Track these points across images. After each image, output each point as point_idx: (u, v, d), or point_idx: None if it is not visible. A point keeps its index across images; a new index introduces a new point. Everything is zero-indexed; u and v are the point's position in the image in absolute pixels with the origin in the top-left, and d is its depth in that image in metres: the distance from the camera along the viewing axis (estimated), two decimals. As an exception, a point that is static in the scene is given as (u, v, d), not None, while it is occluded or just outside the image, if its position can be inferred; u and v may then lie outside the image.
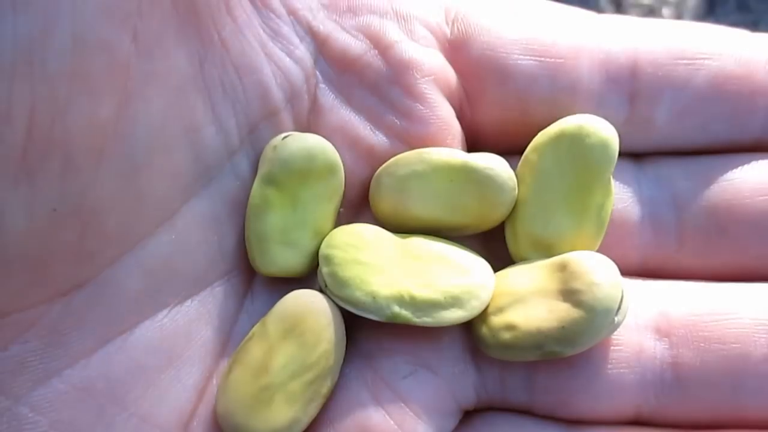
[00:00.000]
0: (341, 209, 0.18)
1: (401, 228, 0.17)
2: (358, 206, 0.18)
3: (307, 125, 0.17)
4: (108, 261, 0.15)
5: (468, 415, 0.17)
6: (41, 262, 0.14)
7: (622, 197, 0.18)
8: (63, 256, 0.14)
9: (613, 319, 0.15)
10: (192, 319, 0.16)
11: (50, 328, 0.14)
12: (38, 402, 0.14)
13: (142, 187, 0.15)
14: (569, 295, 0.16)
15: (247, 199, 0.17)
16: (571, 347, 0.15)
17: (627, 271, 0.17)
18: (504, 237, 0.18)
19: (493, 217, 0.17)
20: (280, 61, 0.17)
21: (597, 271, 0.16)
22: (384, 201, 0.17)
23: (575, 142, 0.17)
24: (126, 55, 0.14)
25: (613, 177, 0.18)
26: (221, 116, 0.16)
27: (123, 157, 0.15)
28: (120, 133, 0.14)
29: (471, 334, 0.17)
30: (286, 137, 0.17)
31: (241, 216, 0.17)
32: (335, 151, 0.17)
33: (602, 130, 0.17)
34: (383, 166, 0.17)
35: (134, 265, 0.15)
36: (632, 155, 0.18)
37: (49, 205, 0.14)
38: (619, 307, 0.15)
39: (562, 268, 0.16)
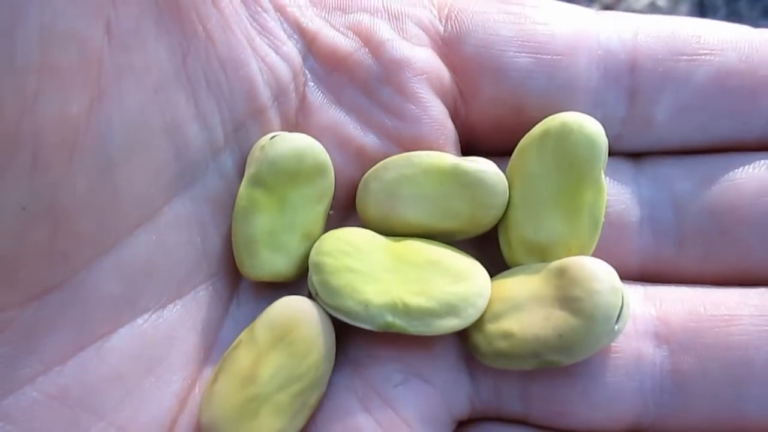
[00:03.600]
0: (331, 211, 0.17)
1: (390, 233, 0.17)
2: (347, 208, 0.17)
3: (295, 124, 0.17)
4: (83, 263, 0.14)
5: (462, 425, 0.16)
6: (11, 263, 0.13)
7: (620, 198, 0.17)
8: (34, 257, 0.14)
9: (613, 328, 0.15)
10: (174, 325, 0.15)
11: (22, 333, 0.14)
12: (10, 411, 0.14)
13: (119, 186, 0.14)
14: (568, 302, 0.15)
15: (232, 199, 0.16)
16: (570, 356, 0.15)
17: (626, 275, 0.16)
18: (498, 241, 0.17)
19: (484, 221, 0.16)
20: (267, 57, 0.16)
21: (596, 277, 0.15)
22: (372, 206, 0.17)
23: (559, 140, 0.16)
24: (98, 47, 0.13)
25: (611, 177, 0.17)
26: (205, 113, 0.15)
27: (97, 153, 0.14)
28: (93, 129, 0.14)
29: (465, 342, 0.16)
30: (274, 137, 0.16)
31: (225, 217, 0.16)
32: (325, 151, 0.16)
33: (587, 126, 0.16)
34: (370, 170, 0.17)
35: (112, 268, 0.14)
36: (631, 155, 0.18)
37: (18, 203, 0.13)
38: (619, 315, 0.15)
39: (561, 273, 0.15)
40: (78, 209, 0.14)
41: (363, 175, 0.17)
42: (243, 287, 0.16)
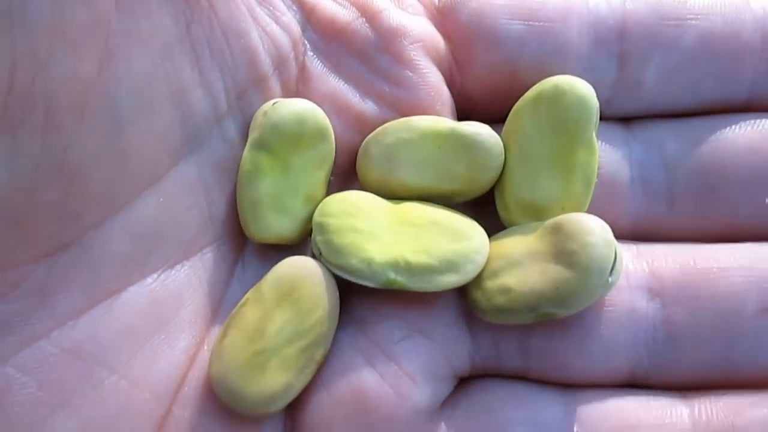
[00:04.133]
0: (332, 177, 0.17)
1: (390, 197, 0.17)
2: (348, 174, 0.18)
3: (295, 93, 0.17)
4: (93, 222, 0.15)
5: (463, 382, 0.17)
6: (25, 220, 0.14)
7: (612, 160, 0.18)
8: (47, 215, 0.14)
9: (607, 279, 0.15)
10: (182, 285, 0.16)
11: (35, 289, 0.14)
12: (26, 363, 0.14)
13: (127, 147, 0.15)
14: (563, 256, 0.16)
15: (236, 165, 0.17)
16: (566, 308, 0.15)
17: (619, 234, 0.17)
18: (495, 203, 0.18)
19: (481, 182, 0.17)
20: (267, 26, 0.17)
21: (590, 231, 0.15)
22: (372, 170, 0.17)
23: (552, 102, 0.17)
24: (107, 11, 0.14)
25: (603, 141, 0.18)
26: (209, 79, 0.16)
27: (106, 115, 0.14)
28: (102, 91, 0.14)
29: (465, 300, 0.17)
30: (276, 103, 0.16)
31: (230, 182, 0.17)
32: (326, 116, 0.17)
33: (578, 88, 0.16)
34: (370, 135, 0.17)
35: (121, 228, 0.15)
36: (622, 119, 0.18)
37: (32, 160, 0.14)
38: (612, 267, 0.15)
39: (556, 230, 0.16)
40: (88, 169, 0.14)
41: (363, 140, 0.17)
42: (248, 250, 0.17)
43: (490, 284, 0.16)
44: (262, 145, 0.16)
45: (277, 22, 0.17)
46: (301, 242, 0.17)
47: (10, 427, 0.14)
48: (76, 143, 0.14)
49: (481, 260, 0.16)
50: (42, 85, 0.13)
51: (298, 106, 0.16)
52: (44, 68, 0.13)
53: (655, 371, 0.16)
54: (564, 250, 0.16)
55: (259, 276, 0.16)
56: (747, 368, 0.16)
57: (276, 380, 0.15)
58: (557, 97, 0.17)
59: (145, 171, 0.15)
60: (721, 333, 0.16)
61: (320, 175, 0.17)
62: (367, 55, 0.17)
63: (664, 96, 0.18)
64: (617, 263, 0.16)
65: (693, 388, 0.16)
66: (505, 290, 0.16)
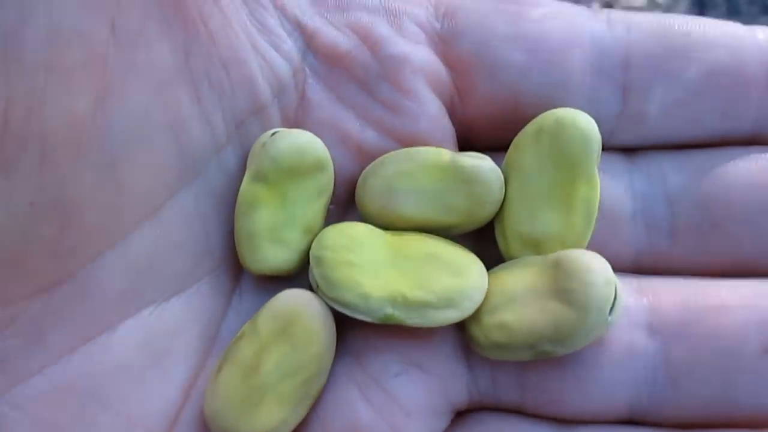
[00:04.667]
0: (331, 206, 0.17)
1: (389, 227, 0.17)
2: (347, 203, 0.18)
3: (294, 121, 0.17)
4: (89, 257, 0.15)
5: (460, 415, 0.17)
6: (20, 257, 0.14)
7: (614, 192, 0.17)
8: (42, 251, 0.14)
9: (607, 318, 0.15)
10: (178, 317, 0.16)
11: (30, 326, 0.14)
12: (19, 400, 0.14)
13: (124, 182, 0.15)
14: (562, 294, 0.15)
15: (234, 195, 0.16)
16: (564, 347, 0.15)
17: (619, 268, 0.17)
18: (494, 235, 0.17)
19: (481, 215, 0.17)
20: (267, 54, 0.17)
21: (590, 269, 0.15)
22: (371, 201, 0.17)
23: (554, 136, 0.16)
24: (104, 46, 0.14)
25: (605, 172, 0.18)
26: (207, 110, 0.16)
27: (102, 150, 0.14)
28: (99, 126, 0.14)
29: (463, 334, 0.17)
30: (274, 133, 0.16)
31: (227, 212, 0.17)
32: (324, 147, 0.17)
33: (580, 122, 0.16)
34: (369, 166, 0.17)
35: (117, 262, 0.15)
36: (625, 150, 0.18)
37: (27, 198, 0.13)
38: (612, 306, 0.15)
39: (555, 266, 0.16)
40: (84, 205, 0.14)
41: (362, 170, 0.17)
42: (245, 281, 0.17)
43: (488, 320, 0.16)
44: (260, 178, 0.16)
45: (277, 50, 0.17)
46: (300, 272, 0.17)
47: None
48: (72, 179, 0.14)
49: (479, 297, 0.16)
50: (37, 122, 0.13)
51: (297, 138, 0.16)
52: (39, 106, 0.13)
53: (655, 409, 0.16)
54: (563, 288, 0.15)
55: (257, 305, 0.16)
56: (747, 408, 0.16)
57: (271, 416, 0.15)
58: (559, 130, 0.16)
59: (141, 204, 0.15)
60: (721, 372, 0.16)
61: (319, 206, 0.17)
62: (368, 83, 0.17)
63: (667, 129, 0.18)
64: (617, 302, 0.15)
65: (692, 428, 0.16)
66: (504, 327, 0.16)
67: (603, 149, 0.17)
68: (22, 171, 0.13)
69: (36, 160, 0.13)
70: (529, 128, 0.17)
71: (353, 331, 0.16)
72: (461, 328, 0.17)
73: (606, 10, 0.18)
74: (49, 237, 0.14)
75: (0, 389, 0.14)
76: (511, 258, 0.17)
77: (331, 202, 0.17)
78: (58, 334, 0.14)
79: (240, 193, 0.16)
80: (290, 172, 0.16)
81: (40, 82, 0.13)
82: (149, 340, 0.15)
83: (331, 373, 0.16)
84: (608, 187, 0.17)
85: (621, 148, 0.18)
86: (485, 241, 0.17)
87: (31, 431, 0.14)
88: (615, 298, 0.15)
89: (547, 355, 0.15)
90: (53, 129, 0.13)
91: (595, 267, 0.15)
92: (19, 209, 0.13)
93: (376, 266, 0.16)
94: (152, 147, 0.15)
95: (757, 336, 0.16)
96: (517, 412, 0.17)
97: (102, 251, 0.15)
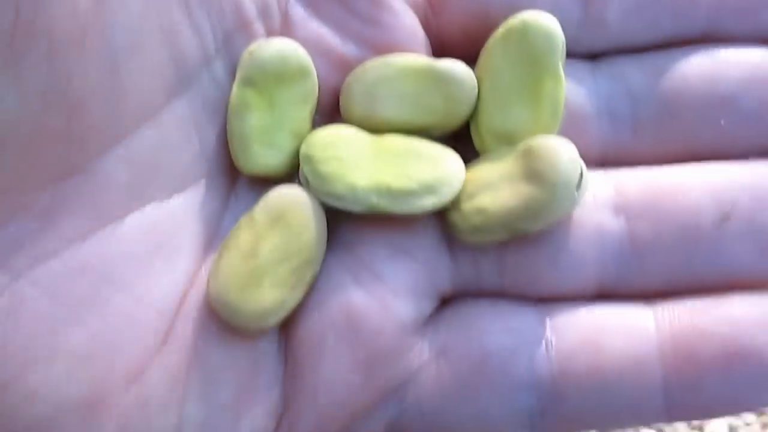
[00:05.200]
0: (316, 116, 0.19)
1: (372, 131, 0.18)
2: (332, 113, 0.19)
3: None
4: (95, 151, 0.16)
5: (445, 302, 0.18)
6: (33, 146, 0.15)
7: (579, 93, 0.19)
8: (53, 141, 0.15)
9: (574, 194, 0.17)
10: (179, 213, 0.17)
11: (43, 213, 0.15)
12: (37, 278, 0.15)
13: (124, 83, 0.16)
14: (532, 175, 0.17)
15: (226, 104, 0.18)
16: (536, 223, 0.17)
17: (587, 161, 0.18)
18: (470, 136, 0.19)
19: (457, 115, 0.18)
20: None
21: (556, 150, 0.17)
22: (354, 106, 0.18)
23: (520, 36, 0.18)
24: None
25: (570, 76, 0.19)
26: (197, 22, 0.17)
27: (104, 51, 0.15)
28: (99, 27, 0.15)
29: (445, 223, 0.18)
30: (262, 42, 0.18)
31: (219, 120, 0.18)
32: (307, 54, 0.18)
33: (543, 21, 0.18)
34: (351, 74, 0.18)
35: (121, 158, 0.16)
36: (588, 56, 0.19)
37: (38, 87, 0.15)
38: (579, 183, 0.17)
39: (526, 153, 0.17)
40: (90, 99, 0.15)
41: (345, 80, 0.18)
42: (240, 184, 0.18)
43: (467, 206, 0.17)
44: (248, 82, 0.17)
45: None
46: (291, 174, 0.18)
47: (24, 337, 0.15)
48: (78, 75, 0.15)
49: (457, 183, 0.17)
50: (45, 18, 0.14)
51: (281, 45, 0.17)
52: (47, 3, 0.14)
53: (622, 282, 0.17)
54: (533, 170, 0.17)
55: (251, 206, 0.17)
56: (707, 275, 0.17)
57: (270, 297, 0.16)
58: (524, 30, 0.18)
59: (141, 105, 0.16)
60: (682, 244, 0.17)
61: (305, 112, 0.18)
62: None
63: (626, 32, 0.19)
64: (583, 180, 0.17)
65: (657, 296, 0.17)
66: (481, 210, 0.17)
67: (567, 56, 0.18)
68: (32, 63, 0.14)
69: (44, 53, 0.14)
70: (498, 32, 0.18)
71: (344, 226, 0.18)
72: (443, 217, 0.18)
73: None
74: (59, 128, 0.15)
75: (20, 269, 0.15)
76: (486, 153, 0.18)
77: (317, 112, 0.18)
78: (69, 221, 0.15)
79: (231, 97, 0.17)
80: (276, 77, 0.17)
81: None
82: (154, 232, 0.16)
83: (325, 262, 0.17)
84: (573, 88, 0.19)
85: (585, 55, 0.19)
86: (462, 142, 0.19)
87: (50, 308, 0.15)
88: (582, 175, 0.17)
89: (521, 233, 0.17)
90: (59, 25, 0.14)
91: (561, 148, 0.17)
92: (31, 98, 0.15)
93: (361, 161, 0.17)
94: (148, 52, 0.16)
95: (713, 209, 0.17)
96: (499, 294, 0.18)
97: (107, 147, 0.16)
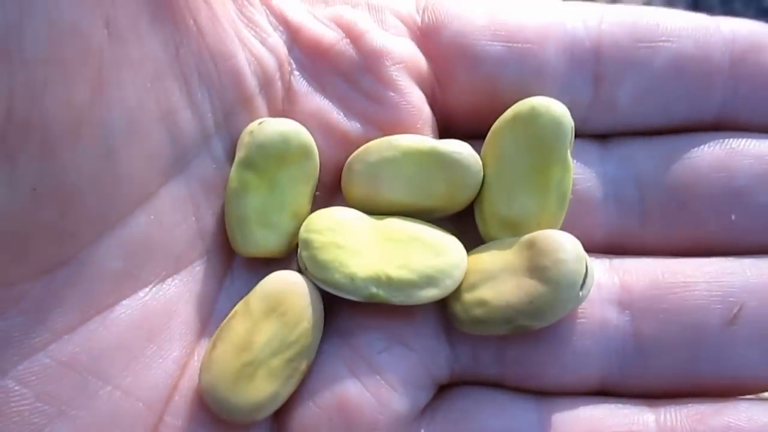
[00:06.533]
0: (317, 193, 0.18)
1: (373, 212, 0.18)
2: (333, 190, 0.18)
3: (281, 111, 0.18)
4: (88, 240, 0.15)
5: (442, 389, 0.18)
6: (23, 240, 0.15)
7: (587, 177, 0.18)
8: (44, 235, 0.15)
9: (578, 293, 0.16)
10: (173, 298, 0.16)
11: (33, 306, 0.15)
12: (24, 375, 0.15)
13: (120, 169, 0.15)
14: (536, 271, 0.16)
15: (224, 182, 0.17)
16: (539, 320, 0.16)
17: (592, 248, 0.18)
18: (474, 218, 0.18)
19: (461, 199, 0.18)
20: (254, 48, 0.17)
21: (562, 248, 0.16)
22: (356, 187, 0.18)
23: (529, 123, 0.17)
24: (99, 41, 0.15)
25: (578, 158, 0.18)
26: (197, 101, 0.17)
27: (99, 139, 0.15)
28: (95, 117, 0.15)
29: (444, 311, 0.17)
30: (261, 122, 0.17)
31: (217, 198, 0.17)
32: (309, 134, 0.17)
33: (554, 109, 0.17)
34: (354, 153, 0.18)
35: (114, 245, 0.16)
36: (597, 137, 0.19)
37: (30, 183, 0.14)
38: (583, 282, 0.16)
39: (530, 246, 0.17)
40: (83, 191, 0.15)
41: (347, 158, 0.18)
42: (236, 264, 0.18)
43: (468, 297, 0.17)
44: (248, 164, 0.17)
45: (263, 43, 0.18)
46: (289, 254, 0.18)
47: None
48: (71, 167, 0.15)
49: (459, 275, 0.17)
50: (38, 113, 0.14)
51: (283, 126, 0.17)
52: (40, 97, 0.14)
53: (625, 380, 0.17)
54: (538, 266, 0.16)
55: (248, 288, 0.17)
56: (711, 378, 0.17)
57: (263, 390, 0.16)
58: (534, 117, 0.17)
59: (136, 190, 0.16)
60: (687, 344, 0.17)
61: (305, 192, 0.18)
62: (351, 75, 0.18)
63: (637, 116, 0.19)
64: (588, 278, 0.16)
65: (660, 397, 0.17)
66: (482, 303, 0.17)
67: (576, 136, 0.18)
68: (25, 159, 0.14)
69: (38, 148, 0.14)
70: (506, 116, 0.18)
71: (341, 313, 0.17)
72: (443, 306, 0.17)
73: (579, 2, 0.19)
74: (51, 221, 0.15)
75: (6, 366, 0.15)
76: (490, 239, 0.18)
77: (318, 189, 0.18)
78: (59, 313, 0.15)
79: (229, 179, 0.17)
80: (277, 159, 0.17)
81: (41, 76, 0.14)
82: (146, 320, 0.16)
83: (320, 350, 0.17)
84: (581, 171, 0.18)
85: (594, 135, 0.19)
86: (465, 224, 0.18)
87: (36, 404, 0.15)
88: (586, 274, 0.16)
89: (523, 329, 0.16)
90: (54, 119, 0.14)
91: (567, 245, 0.16)
92: (23, 194, 0.14)
93: (361, 248, 0.17)
94: (145, 137, 0.16)
95: (720, 310, 0.17)
96: (497, 385, 0.17)
97: (100, 235, 0.15)
